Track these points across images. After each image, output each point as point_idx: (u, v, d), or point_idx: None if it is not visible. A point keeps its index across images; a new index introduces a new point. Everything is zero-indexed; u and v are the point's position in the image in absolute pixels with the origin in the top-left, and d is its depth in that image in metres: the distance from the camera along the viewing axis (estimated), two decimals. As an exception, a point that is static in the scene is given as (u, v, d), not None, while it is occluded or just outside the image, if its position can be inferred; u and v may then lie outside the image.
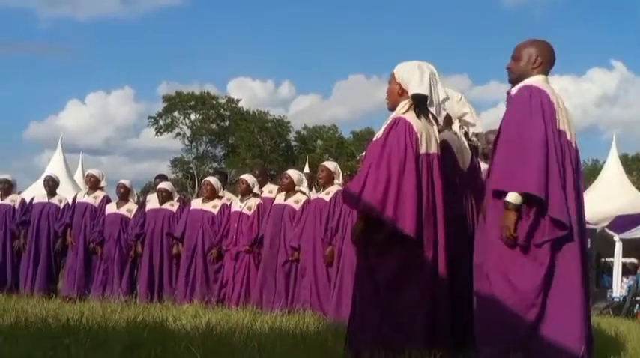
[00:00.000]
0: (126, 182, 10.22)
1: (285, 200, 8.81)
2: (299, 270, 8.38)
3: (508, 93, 4.16)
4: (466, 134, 5.03)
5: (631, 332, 6.62)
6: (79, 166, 21.23)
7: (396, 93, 4.52)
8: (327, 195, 8.28)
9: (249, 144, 50.55)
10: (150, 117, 52.32)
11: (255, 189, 9.30)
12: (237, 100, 53.36)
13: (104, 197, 10.12)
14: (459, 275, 4.32)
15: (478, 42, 72.39)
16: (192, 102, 51.10)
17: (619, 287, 15.56)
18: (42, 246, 9.95)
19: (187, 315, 6.48)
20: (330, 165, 8.74)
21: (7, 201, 10.23)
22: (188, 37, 73.30)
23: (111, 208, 9.92)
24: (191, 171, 50.69)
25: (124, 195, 10.02)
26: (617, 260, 15.74)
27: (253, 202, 9.10)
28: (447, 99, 4.60)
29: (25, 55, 69.61)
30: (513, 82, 4.16)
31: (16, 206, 10.20)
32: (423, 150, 4.36)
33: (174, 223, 9.59)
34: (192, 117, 51.51)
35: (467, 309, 4.18)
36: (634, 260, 17.03)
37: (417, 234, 4.21)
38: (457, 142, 4.88)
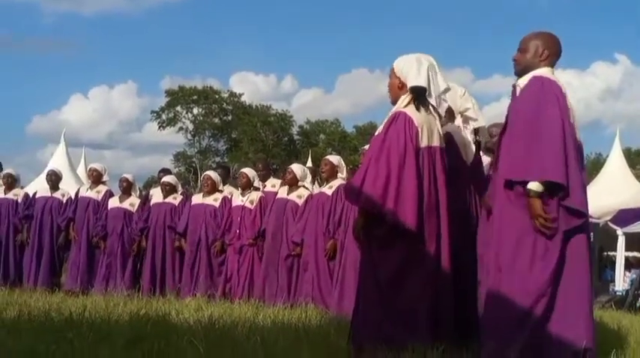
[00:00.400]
0: (128, 176, 10.23)
1: (287, 194, 8.80)
2: (302, 264, 8.37)
3: (514, 86, 4.14)
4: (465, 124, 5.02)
5: (634, 325, 6.62)
6: (82, 160, 21.22)
7: (396, 87, 4.52)
8: (329, 189, 8.27)
9: (252, 138, 50.54)
10: (152, 112, 52.42)
11: (256, 183, 9.30)
12: (240, 95, 53.39)
13: (107, 191, 10.14)
14: (462, 269, 4.32)
15: (481, 36, 72.30)
16: (195, 97, 51.08)
17: (622, 280, 15.55)
18: (45, 240, 9.96)
19: (190, 309, 6.49)
20: (334, 159, 8.72)
21: (10, 195, 10.23)
22: (191, 32, 73.35)
23: (114, 202, 9.93)
24: (194, 165, 50.70)
25: (127, 189, 10.03)
26: (620, 253, 15.72)
27: (255, 195, 9.10)
28: (448, 89, 4.58)
29: (28, 49, 69.64)
30: (519, 74, 4.14)
31: (19, 200, 10.20)
32: (424, 143, 4.34)
33: (177, 216, 9.61)
34: (195, 111, 51.53)
35: (471, 303, 4.18)
36: (637, 253, 17.01)
37: (418, 228, 4.20)
38: (460, 136, 4.87)
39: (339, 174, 8.39)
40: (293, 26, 72.51)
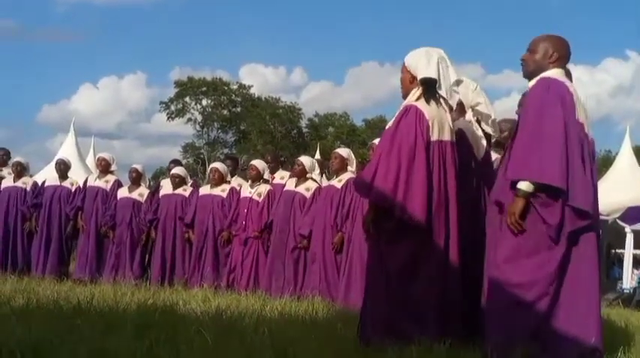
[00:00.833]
0: (138, 166, 10.27)
1: (295, 186, 8.81)
2: (309, 256, 8.38)
3: (524, 95, 4.16)
4: (479, 121, 5.00)
5: (641, 323, 6.60)
6: (91, 150, 21.26)
7: (408, 82, 4.53)
8: (339, 182, 8.26)
9: (261, 130, 50.52)
10: (161, 103, 52.41)
11: (266, 175, 9.31)
12: (249, 86, 53.36)
13: (115, 181, 10.17)
14: (471, 265, 4.31)
15: (492, 31, 72.01)
16: (204, 88, 51.05)
17: (630, 278, 15.49)
18: (53, 229, 10.00)
19: (197, 299, 6.51)
20: (343, 152, 8.71)
21: (19, 183, 10.27)
22: (201, 23, 73.31)
23: (123, 192, 9.97)
24: (202, 156, 50.73)
25: (136, 179, 10.07)
26: (628, 251, 15.64)
27: (263, 188, 9.11)
28: (460, 81, 4.58)
29: (39, 39, 69.76)
30: (528, 76, 4.14)
31: (28, 188, 10.25)
32: (434, 137, 4.35)
33: (187, 208, 9.63)
34: (204, 102, 51.51)
35: (478, 298, 4.18)
36: (645, 251, 16.95)
37: (427, 222, 4.21)
38: (472, 131, 4.85)
39: (349, 168, 8.39)
40: (303, 18, 72.47)
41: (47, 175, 12.24)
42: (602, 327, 3.89)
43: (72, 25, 71.73)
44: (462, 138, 4.66)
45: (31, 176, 11.02)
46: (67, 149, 18.70)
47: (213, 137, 52.42)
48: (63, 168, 10.46)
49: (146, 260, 9.93)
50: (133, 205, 9.84)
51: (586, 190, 3.75)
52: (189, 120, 51.40)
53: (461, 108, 4.91)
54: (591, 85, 59.54)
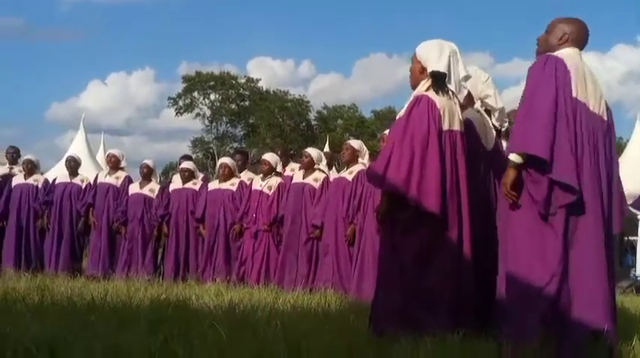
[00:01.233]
0: (149, 162, 10.31)
1: (304, 178, 8.83)
2: (322, 248, 8.39)
3: None
4: (488, 112, 4.99)
5: (655, 310, 6.57)
6: (101, 146, 21.35)
7: (418, 72, 4.54)
8: (350, 174, 8.26)
9: (270, 123, 50.49)
10: (170, 98, 52.42)
11: (278, 168, 9.33)
12: (257, 80, 53.28)
13: (126, 177, 10.22)
14: (483, 256, 4.30)
15: (501, 19, 71.59)
16: (212, 83, 51.03)
17: (643, 265, 15.43)
18: (65, 226, 10.06)
19: (210, 294, 6.53)
20: (355, 143, 8.71)
21: (31, 180, 10.33)
22: (208, 17, 73.18)
23: (134, 188, 10.02)
24: (211, 151, 50.76)
25: (147, 175, 10.12)
26: (641, 238, 15.60)
27: (274, 181, 9.12)
28: (468, 77, 4.61)
29: (46, 37, 69.87)
30: (540, 55, 4.13)
31: (39, 186, 10.30)
32: (446, 126, 4.36)
33: (198, 201, 9.66)
34: (212, 97, 51.48)
35: (492, 292, 4.16)
36: (658, 239, 16.86)
37: (442, 211, 4.21)
38: (481, 121, 4.84)
39: (360, 159, 8.38)
40: (310, 11, 72.23)
41: (58, 173, 12.32)
42: (614, 313, 3.87)
43: (76, 24, 71.76)
44: (469, 128, 4.65)
45: (42, 173, 11.08)
46: (77, 146, 18.80)
47: (222, 131, 52.41)
48: (73, 165, 10.51)
49: (158, 255, 9.98)
50: (144, 201, 9.89)
51: (570, 165, 3.74)
52: (198, 115, 51.43)
53: (469, 98, 4.89)
54: (602, 71, 59.10)
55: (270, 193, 9.05)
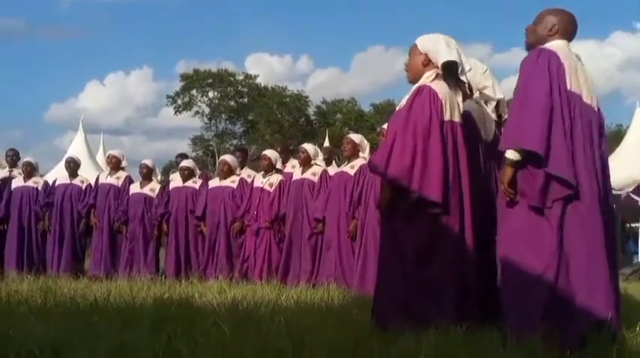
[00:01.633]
0: (148, 162, 10.32)
1: (302, 174, 8.83)
2: (324, 243, 8.39)
3: None
4: (486, 102, 4.98)
5: (658, 297, 6.57)
6: (101, 147, 21.37)
7: (420, 64, 4.50)
8: (351, 168, 8.26)
9: (269, 120, 50.46)
10: (168, 97, 52.41)
11: (278, 165, 9.33)
12: (255, 76, 53.25)
13: (127, 177, 10.24)
14: (485, 248, 4.30)
15: (499, 9, 71.44)
16: (210, 80, 51.00)
17: (645, 252, 15.46)
18: (66, 227, 10.08)
19: (213, 291, 6.53)
20: (356, 137, 8.70)
21: (30, 183, 10.33)
22: (204, 15, 73.14)
23: (134, 188, 10.03)
24: (211, 148, 50.75)
25: (147, 174, 10.13)
26: (643, 225, 15.62)
27: (275, 178, 9.12)
28: (469, 70, 4.59)
29: (44, 37, 69.83)
30: (528, 47, 4.14)
31: (39, 188, 10.31)
32: (447, 117, 4.34)
33: (197, 200, 9.66)
34: (211, 94, 51.45)
35: (494, 284, 4.16)
36: (660, 225, 16.87)
37: (444, 201, 4.20)
38: (479, 112, 4.83)
39: (361, 154, 8.37)
40: (307, 5, 72.15)
41: (58, 174, 12.33)
42: (617, 301, 3.86)
43: (76, 23, 71.74)
44: (468, 119, 4.64)
45: (41, 176, 11.08)
46: (76, 146, 18.81)
47: (221, 129, 52.39)
48: (73, 166, 10.51)
49: (159, 254, 9.99)
50: (144, 200, 9.91)
51: (565, 159, 3.73)
52: (197, 112, 51.41)
53: (469, 89, 4.88)
54: (600, 58, 59.02)
55: (272, 190, 9.05)
